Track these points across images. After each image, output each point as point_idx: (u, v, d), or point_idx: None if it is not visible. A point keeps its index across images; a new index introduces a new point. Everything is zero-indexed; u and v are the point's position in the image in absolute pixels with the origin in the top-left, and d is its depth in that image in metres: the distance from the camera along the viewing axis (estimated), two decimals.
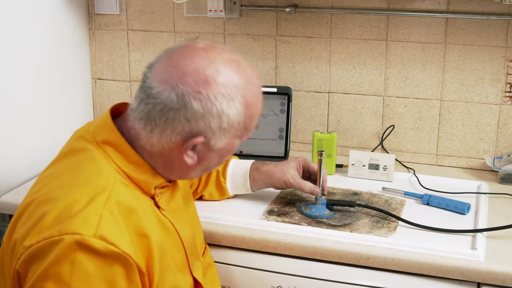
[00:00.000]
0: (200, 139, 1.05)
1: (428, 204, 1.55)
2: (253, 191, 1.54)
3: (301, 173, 1.53)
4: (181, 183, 1.27)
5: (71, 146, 1.13)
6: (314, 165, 1.52)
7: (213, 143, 1.07)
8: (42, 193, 1.07)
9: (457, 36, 1.77)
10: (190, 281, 1.19)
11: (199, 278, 1.21)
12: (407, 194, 1.60)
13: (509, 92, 1.76)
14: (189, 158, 1.08)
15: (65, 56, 1.98)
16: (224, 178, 1.53)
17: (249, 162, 1.54)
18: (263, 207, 1.54)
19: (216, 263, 1.42)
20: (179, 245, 1.16)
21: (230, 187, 1.54)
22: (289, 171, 1.50)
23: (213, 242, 1.42)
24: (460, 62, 1.78)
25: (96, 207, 0.99)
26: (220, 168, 1.53)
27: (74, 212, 0.98)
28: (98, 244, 0.96)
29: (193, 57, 1.04)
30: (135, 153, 1.08)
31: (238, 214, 1.48)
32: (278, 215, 1.49)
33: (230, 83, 1.04)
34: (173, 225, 1.14)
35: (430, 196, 1.56)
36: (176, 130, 1.04)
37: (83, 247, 0.96)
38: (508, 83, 1.75)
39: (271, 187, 1.53)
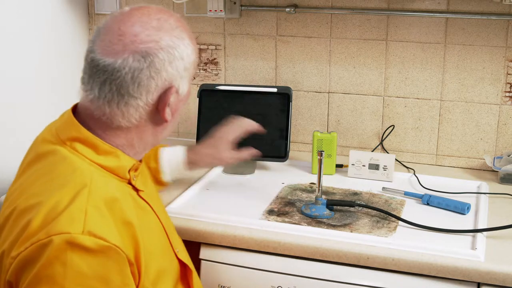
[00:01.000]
0: (174, 88, 1.08)
1: (428, 204, 1.55)
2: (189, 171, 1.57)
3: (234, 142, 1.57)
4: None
5: (37, 152, 1.13)
6: (235, 131, 1.57)
7: (181, 90, 1.10)
8: (20, 202, 1.05)
9: (457, 36, 1.77)
10: (176, 264, 1.18)
11: (186, 261, 1.21)
12: (407, 194, 1.60)
13: (509, 92, 1.76)
14: (168, 114, 1.10)
15: (65, 56, 1.98)
16: (159, 171, 1.52)
17: (180, 148, 1.56)
18: (263, 207, 1.54)
19: (216, 263, 1.42)
20: (160, 228, 1.16)
21: (168, 175, 1.54)
22: (225, 151, 1.55)
23: (213, 242, 1.42)
24: (460, 62, 1.78)
25: (79, 204, 0.99)
26: (152, 165, 1.51)
27: (59, 212, 0.98)
28: (87, 241, 0.96)
29: (129, 20, 1.06)
30: (102, 141, 1.08)
31: (238, 214, 1.48)
32: (278, 215, 1.49)
33: (173, 26, 1.08)
34: (152, 208, 1.15)
35: (430, 196, 1.56)
36: (151, 89, 1.06)
37: (74, 246, 0.95)
38: (508, 83, 1.76)
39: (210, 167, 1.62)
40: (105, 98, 1.06)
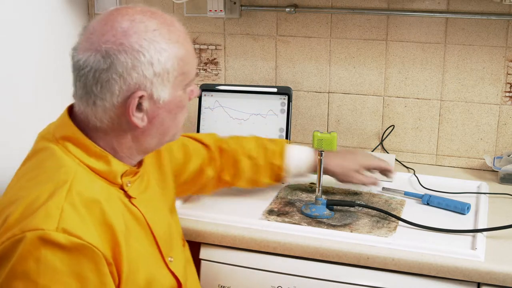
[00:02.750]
0: (140, 93, 1.04)
1: (428, 204, 1.55)
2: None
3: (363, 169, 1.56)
4: (160, 169, 1.26)
5: (34, 149, 1.13)
6: (373, 163, 1.56)
7: (156, 96, 1.06)
8: (5, 198, 1.06)
9: (457, 36, 1.77)
10: (169, 276, 1.17)
11: (178, 273, 1.18)
12: (407, 194, 1.60)
13: (509, 92, 1.76)
14: (138, 119, 1.06)
15: (65, 56, 1.97)
16: (282, 169, 1.50)
17: (309, 153, 1.53)
18: (263, 207, 1.54)
19: (216, 263, 1.42)
20: (149, 237, 1.14)
21: (292, 175, 1.53)
22: (354, 175, 1.53)
23: (213, 242, 1.42)
24: (460, 62, 1.78)
25: (57, 201, 0.99)
26: (276, 161, 1.50)
27: (35, 208, 0.98)
28: (61, 238, 0.95)
29: (106, 20, 1.05)
30: (94, 144, 1.07)
31: (238, 214, 1.48)
32: (278, 215, 1.49)
33: (149, 28, 1.04)
34: (143, 215, 1.13)
35: (430, 196, 1.56)
36: (115, 92, 1.03)
37: (47, 242, 0.95)
38: (508, 83, 1.75)
39: (335, 175, 1.57)
40: (78, 94, 1.07)
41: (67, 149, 1.07)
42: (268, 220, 1.46)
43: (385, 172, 1.57)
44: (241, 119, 1.80)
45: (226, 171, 1.49)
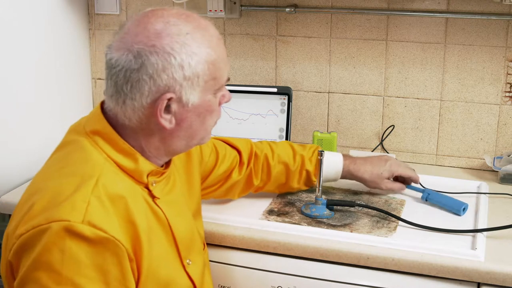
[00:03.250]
0: (169, 95, 1.04)
1: (427, 200, 1.56)
2: None
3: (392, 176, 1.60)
4: (188, 171, 1.27)
5: (64, 140, 1.14)
6: (403, 171, 1.59)
7: (185, 99, 1.06)
8: (31, 187, 1.08)
9: (457, 36, 1.77)
10: (185, 279, 1.17)
11: (194, 276, 1.19)
12: (408, 187, 1.61)
13: (509, 92, 1.76)
14: (166, 121, 1.07)
15: (65, 56, 1.98)
16: (312, 175, 1.54)
17: (339, 159, 1.56)
18: (263, 207, 1.54)
19: (216, 263, 1.42)
20: (170, 238, 1.15)
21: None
22: (382, 182, 1.57)
23: (213, 242, 1.42)
24: (460, 62, 1.78)
25: (83, 194, 1.00)
26: (308, 167, 1.53)
27: (62, 199, 0.99)
28: (87, 230, 0.96)
29: (141, 20, 1.06)
30: (123, 140, 1.08)
31: (238, 214, 1.48)
32: (278, 215, 1.49)
33: (182, 32, 1.05)
34: (165, 216, 1.13)
35: (430, 193, 1.56)
36: (144, 92, 1.04)
37: (72, 233, 0.96)
38: (508, 83, 1.75)
39: (364, 182, 1.59)
40: (109, 91, 1.07)
41: (96, 143, 1.08)
42: (268, 220, 1.46)
43: (411, 180, 1.61)
44: (241, 119, 1.80)
45: (256, 175, 1.51)
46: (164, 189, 1.15)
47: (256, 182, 1.50)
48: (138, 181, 1.10)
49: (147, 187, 1.12)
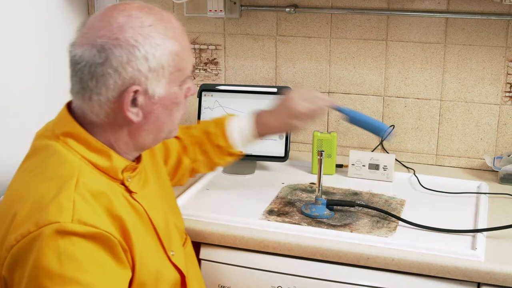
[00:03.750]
0: (135, 87, 1.04)
1: (351, 122, 1.49)
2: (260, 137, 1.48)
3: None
4: (155, 168, 1.27)
5: (33, 147, 1.13)
6: (304, 108, 1.43)
7: (151, 91, 1.06)
8: (8, 197, 1.07)
9: (457, 36, 1.77)
10: (171, 269, 1.18)
11: (180, 265, 1.20)
12: (336, 108, 1.49)
13: (509, 92, 1.76)
14: (133, 114, 1.07)
15: (65, 56, 1.97)
16: (230, 146, 1.46)
17: (246, 120, 1.47)
18: (263, 207, 1.54)
19: (216, 263, 1.42)
20: (151, 230, 1.15)
21: (238, 142, 1.47)
22: (293, 122, 1.43)
23: (213, 242, 1.42)
24: (460, 62, 1.78)
25: (67, 194, 0.99)
26: (221, 143, 1.45)
27: (46, 203, 0.98)
28: (78, 228, 0.96)
29: (103, 15, 1.06)
30: (95, 139, 1.08)
31: (238, 214, 1.48)
32: (278, 215, 1.49)
33: (145, 24, 1.05)
34: (144, 210, 1.14)
35: (351, 113, 1.49)
36: (110, 86, 1.04)
37: (64, 233, 0.96)
38: (508, 83, 1.76)
39: (279, 131, 1.48)
40: (74, 89, 1.08)
41: (68, 145, 1.07)
42: (268, 220, 1.46)
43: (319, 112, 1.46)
44: None
45: (198, 153, 1.49)
46: (138, 183, 1.15)
47: (194, 164, 1.48)
48: (114, 178, 1.10)
49: (123, 183, 1.11)
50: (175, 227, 1.26)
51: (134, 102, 1.06)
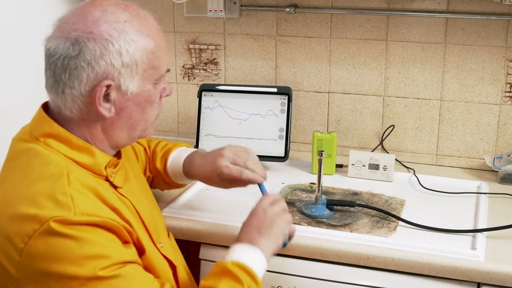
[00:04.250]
0: (107, 82, 1.04)
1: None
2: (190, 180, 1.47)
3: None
4: (130, 164, 1.27)
5: (12, 152, 1.12)
6: (235, 173, 1.34)
7: (124, 87, 1.06)
8: None
9: (457, 36, 1.77)
10: (162, 260, 1.18)
11: (170, 257, 1.20)
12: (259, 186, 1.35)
13: (509, 92, 1.76)
14: (105, 110, 1.07)
15: None
16: (169, 177, 1.46)
17: (187, 152, 1.45)
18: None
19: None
20: (139, 223, 1.15)
21: (171, 174, 1.46)
22: (222, 162, 1.35)
23: (213, 242, 1.42)
24: (460, 62, 1.78)
25: (62, 191, 1.00)
26: (161, 168, 1.45)
27: (43, 201, 0.98)
28: (82, 218, 0.97)
29: (80, 10, 1.07)
30: (76, 137, 1.08)
31: (238, 214, 1.48)
32: None
33: (120, 19, 1.05)
34: (132, 203, 1.14)
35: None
36: (83, 80, 1.04)
37: (71, 223, 0.96)
38: (508, 83, 1.75)
39: (203, 181, 1.41)
40: (48, 84, 1.08)
41: (49, 145, 1.07)
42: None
43: (252, 181, 1.34)
44: (241, 119, 1.80)
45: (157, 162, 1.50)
46: (121, 179, 1.16)
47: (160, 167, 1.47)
48: (98, 175, 1.10)
49: (107, 179, 1.12)
50: (160, 221, 1.28)
51: (107, 98, 1.06)
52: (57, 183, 1.01)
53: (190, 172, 1.42)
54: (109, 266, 0.98)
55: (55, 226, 0.96)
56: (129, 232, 1.05)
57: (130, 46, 1.05)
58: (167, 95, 1.18)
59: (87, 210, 0.99)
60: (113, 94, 1.06)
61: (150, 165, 1.48)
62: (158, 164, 1.46)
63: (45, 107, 1.13)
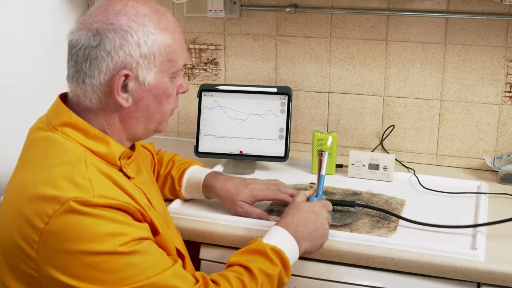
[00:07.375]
0: (125, 71, 1.08)
1: None
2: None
3: (253, 201, 1.48)
4: (142, 159, 1.30)
5: (30, 140, 1.15)
6: (265, 196, 1.48)
7: (142, 78, 1.10)
8: (13, 187, 1.09)
9: (457, 36, 1.77)
10: (174, 250, 1.20)
11: (180, 248, 1.23)
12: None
13: (509, 92, 1.76)
14: (123, 99, 1.10)
15: (65, 56, 1.97)
16: (180, 186, 1.52)
17: (204, 174, 1.52)
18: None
19: (216, 263, 1.42)
20: (153, 211, 1.17)
21: (185, 193, 1.53)
22: (237, 203, 1.47)
23: (213, 242, 1.42)
24: (460, 62, 1.78)
25: (81, 175, 1.03)
26: (176, 175, 1.52)
27: (62, 183, 1.01)
28: (101, 200, 1.00)
29: (102, 4, 1.12)
30: (92, 127, 1.11)
31: (238, 214, 1.48)
32: (278, 215, 1.49)
33: (140, 13, 1.10)
34: (145, 194, 1.16)
35: None
36: (102, 69, 1.07)
37: (90, 205, 0.99)
38: (508, 83, 1.76)
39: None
40: (70, 74, 1.12)
41: (67, 134, 1.10)
42: (268, 220, 1.46)
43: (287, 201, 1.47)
44: (241, 119, 1.80)
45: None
46: (134, 170, 1.18)
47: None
48: (112, 164, 1.12)
49: (120, 170, 1.14)
50: (169, 217, 1.31)
51: (125, 88, 1.10)
52: (76, 168, 1.04)
53: (212, 187, 1.49)
54: (127, 242, 1.01)
55: (76, 205, 0.98)
56: (143, 215, 1.08)
57: (149, 38, 1.09)
58: (184, 92, 1.22)
59: (105, 193, 1.02)
60: (131, 85, 1.09)
61: (154, 171, 1.54)
62: (174, 172, 1.52)
63: (62, 98, 1.16)
